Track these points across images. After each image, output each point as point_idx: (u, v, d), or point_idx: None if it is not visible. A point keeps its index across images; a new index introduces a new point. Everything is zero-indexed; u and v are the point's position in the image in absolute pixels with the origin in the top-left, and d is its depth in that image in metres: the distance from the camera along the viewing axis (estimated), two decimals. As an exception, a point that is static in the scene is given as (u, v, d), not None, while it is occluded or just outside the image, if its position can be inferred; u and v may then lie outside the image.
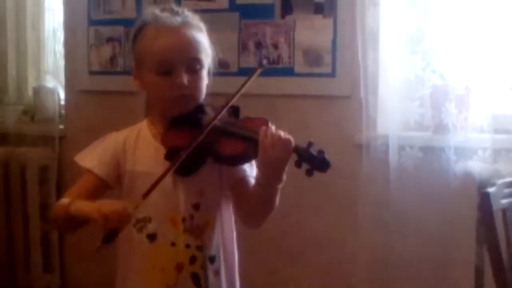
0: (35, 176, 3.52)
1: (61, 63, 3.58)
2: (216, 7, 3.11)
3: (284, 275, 3.10)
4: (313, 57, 2.98)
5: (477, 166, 2.69)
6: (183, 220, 1.77)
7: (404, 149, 2.81)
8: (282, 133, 1.66)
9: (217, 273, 1.82)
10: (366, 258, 2.89)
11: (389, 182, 2.80)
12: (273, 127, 1.68)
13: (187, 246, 1.78)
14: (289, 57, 3.01)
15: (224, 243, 1.84)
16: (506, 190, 2.14)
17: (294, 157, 1.65)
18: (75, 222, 1.71)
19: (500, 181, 2.15)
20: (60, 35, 3.56)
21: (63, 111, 3.57)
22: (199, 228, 1.79)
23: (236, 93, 1.77)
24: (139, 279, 1.81)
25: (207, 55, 1.82)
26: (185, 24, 1.80)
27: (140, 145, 1.84)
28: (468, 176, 2.70)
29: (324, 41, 2.96)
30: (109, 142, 1.86)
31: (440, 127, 2.77)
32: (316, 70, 2.98)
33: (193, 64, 1.78)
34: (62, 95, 3.59)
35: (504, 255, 2.05)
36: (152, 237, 1.78)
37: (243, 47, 3.08)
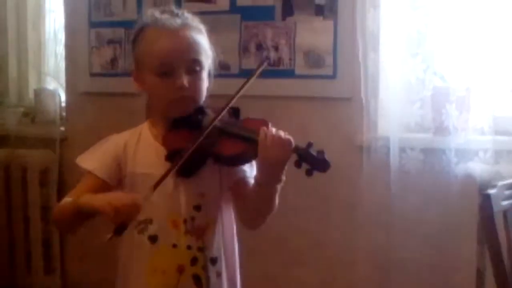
0: (36, 178, 3.52)
1: (62, 65, 3.58)
2: (217, 9, 3.11)
3: (285, 277, 3.10)
4: (313, 59, 2.98)
5: (478, 167, 2.69)
6: (184, 221, 1.78)
7: (405, 151, 2.81)
8: (282, 133, 1.67)
9: (218, 274, 1.82)
10: (367, 260, 2.89)
11: (390, 184, 2.80)
12: (273, 129, 1.69)
13: (189, 247, 1.78)
14: (290, 59, 3.01)
15: (225, 244, 1.84)
16: (507, 192, 2.14)
17: (294, 157, 1.65)
18: (81, 217, 1.71)
19: (501, 183, 2.14)
20: (61, 37, 3.56)
21: (64, 113, 3.57)
22: (200, 229, 1.79)
23: (242, 87, 1.77)
24: (140, 280, 1.81)
25: (207, 56, 1.83)
26: (185, 25, 1.80)
27: (141, 146, 1.84)
28: (469, 178, 2.70)
29: (324, 43, 2.96)
30: (110, 144, 1.86)
31: (440, 129, 2.77)
32: (317, 72, 2.98)
33: (193, 66, 1.79)
34: (63, 97, 3.59)
35: (505, 257, 2.05)
36: (153, 238, 1.78)
37: (244, 49, 3.08)
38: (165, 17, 1.81)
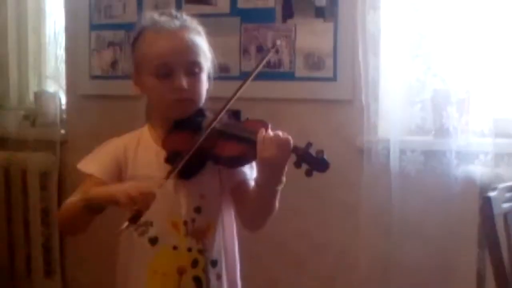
0: (36, 181, 3.52)
1: (62, 67, 3.57)
2: (217, 11, 3.11)
3: (285, 280, 3.09)
4: (314, 61, 2.98)
5: (479, 170, 2.69)
6: (185, 223, 1.78)
7: (405, 153, 2.81)
8: (280, 133, 1.66)
9: (219, 276, 1.82)
10: (367, 263, 2.89)
11: (391, 187, 2.79)
12: (271, 132, 1.68)
13: (189, 249, 1.78)
14: (290, 61, 3.01)
15: (226, 246, 1.84)
16: (508, 194, 2.14)
17: (293, 157, 1.65)
18: (91, 211, 1.71)
19: (501, 185, 2.14)
20: (61, 40, 3.55)
21: (64, 116, 3.57)
22: (200, 231, 1.79)
23: (250, 75, 1.77)
24: (140, 283, 1.81)
25: (206, 58, 1.83)
26: (184, 27, 1.81)
27: (141, 149, 1.84)
28: (469, 180, 2.69)
29: (325, 45, 2.96)
30: (111, 147, 1.87)
31: (441, 131, 2.77)
32: (317, 74, 2.98)
33: (192, 67, 1.79)
34: (63, 99, 3.59)
35: (506, 259, 2.05)
36: (153, 240, 1.78)
37: (244, 51, 3.08)
38: (163, 19, 1.82)
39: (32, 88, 3.76)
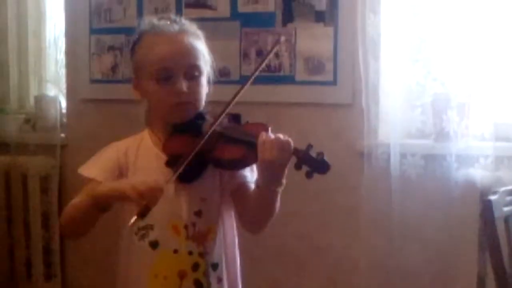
0: (37, 185, 3.51)
1: (63, 71, 3.57)
2: (218, 15, 3.11)
3: (285, 283, 3.09)
4: (314, 65, 2.98)
5: (479, 174, 2.69)
6: (186, 227, 1.78)
7: (405, 157, 2.81)
8: (281, 136, 1.67)
9: (219, 280, 1.82)
10: (368, 266, 2.89)
11: (391, 190, 2.80)
12: (271, 134, 1.69)
13: (190, 253, 1.78)
14: (290, 65, 3.02)
15: (227, 250, 1.84)
16: (508, 198, 2.14)
17: (293, 160, 1.65)
18: (97, 209, 1.70)
19: (502, 189, 2.15)
20: (62, 44, 3.55)
21: (64, 120, 3.56)
22: (201, 234, 1.79)
23: (255, 70, 1.78)
24: (141, 286, 1.80)
25: (206, 62, 1.84)
26: (183, 31, 1.82)
27: (141, 153, 1.84)
28: (470, 184, 2.69)
29: (325, 49, 2.96)
30: (111, 151, 1.87)
31: (441, 135, 2.77)
32: (317, 78, 2.98)
33: (192, 71, 1.79)
34: (63, 103, 3.59)
35: (506, 262, 2.05)
36: (154, 244, 1.78)
37: (244, 55, 3.08)
38: (162, 23, 1.83)
39: (33, 92, 3.75)
